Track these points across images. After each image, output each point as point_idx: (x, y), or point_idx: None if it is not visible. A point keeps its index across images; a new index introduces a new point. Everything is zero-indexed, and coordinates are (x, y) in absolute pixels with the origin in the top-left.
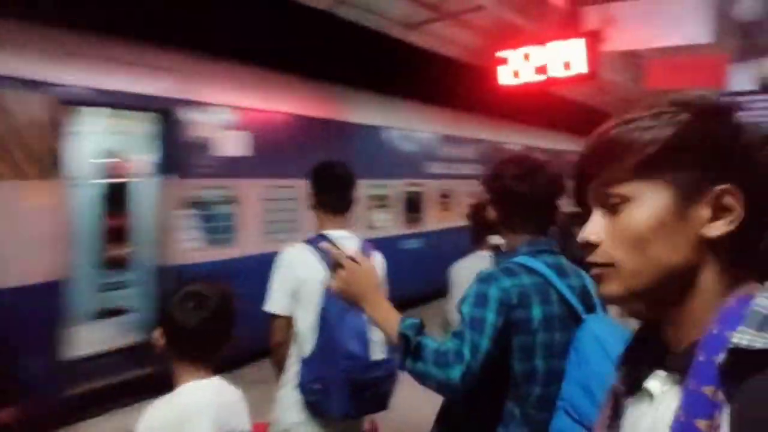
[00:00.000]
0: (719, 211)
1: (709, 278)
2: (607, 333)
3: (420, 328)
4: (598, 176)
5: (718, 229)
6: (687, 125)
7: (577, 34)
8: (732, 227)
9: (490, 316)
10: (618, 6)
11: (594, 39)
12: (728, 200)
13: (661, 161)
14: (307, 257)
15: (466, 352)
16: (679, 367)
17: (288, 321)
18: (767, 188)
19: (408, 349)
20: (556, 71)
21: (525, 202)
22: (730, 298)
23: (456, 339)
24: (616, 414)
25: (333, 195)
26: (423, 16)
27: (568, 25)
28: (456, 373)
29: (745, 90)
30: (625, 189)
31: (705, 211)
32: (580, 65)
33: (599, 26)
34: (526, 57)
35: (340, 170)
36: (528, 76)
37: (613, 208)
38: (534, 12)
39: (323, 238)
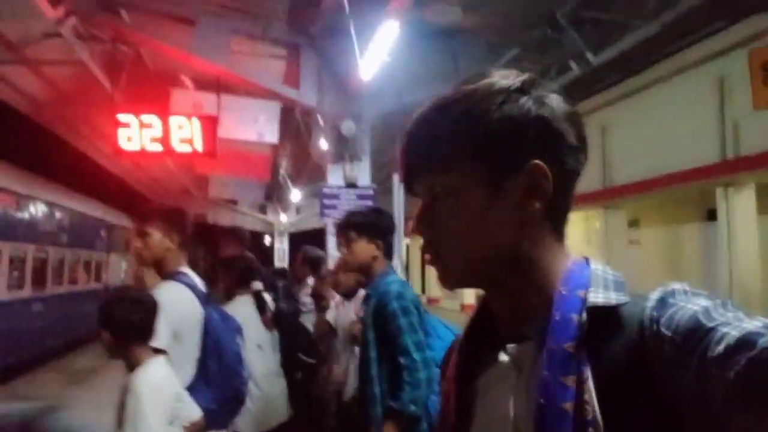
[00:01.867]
0: (531, 188)
1: (536, 249)
2: None
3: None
4: (411, 170)
5: (532, 205)
6: (468, 115)
7: (197, 115)
8: (544, 200)
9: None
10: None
11: (210, 122)
12: (537, 177)
13: (454, 155)
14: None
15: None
16: (532, 333)
17: None
18: (568, 157)
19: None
20: (176, 145)
21: None
22: (567, 262)
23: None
24: (461, 401)
25: None
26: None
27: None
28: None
29: (337, 185)
30: (434, 180)
31: (517, 191)
32: (198, 143)
33: (192, 110)
34: (148, 125)
35: None
36: (147, 144)
37: (431, 198)
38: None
39: None
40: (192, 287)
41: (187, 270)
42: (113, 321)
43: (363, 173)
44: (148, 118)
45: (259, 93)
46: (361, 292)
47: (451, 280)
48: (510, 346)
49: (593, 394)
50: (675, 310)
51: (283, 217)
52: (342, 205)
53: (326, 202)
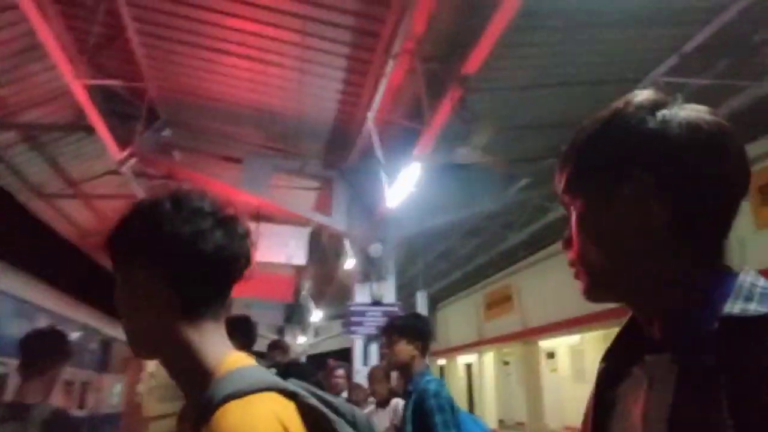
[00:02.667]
0: (640, 198)
1: (668, 262)
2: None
3: None
4: (559, 184)
5: (650, 218)
6: (587, 140)
7: None
8: (659, 213)
9: None
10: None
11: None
12: (641, 191)
13: (572, 181)
14: None
15: None
16: (670, 346)
17: None
18: (686, 172)
19: None
20: None
21: None
22: (705, 275)
23: None
24: (602, 407)
25: None
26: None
27: None
28: None
29: (366, 302)
30: (566, 197)
31: (630, 205)
32: None
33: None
34: None
35: None
36: None
37: (572, 212)
38: None
39: None
40: None
41: None
42: None
43: (388, 291)
44: None
45: (294, 220)
46: (394, 402)
47: (592, 292)
48: (647, 358)
49: (726, 410)
50: None
51: (301, 339)
52: (368, 322)
53: (353, 319)
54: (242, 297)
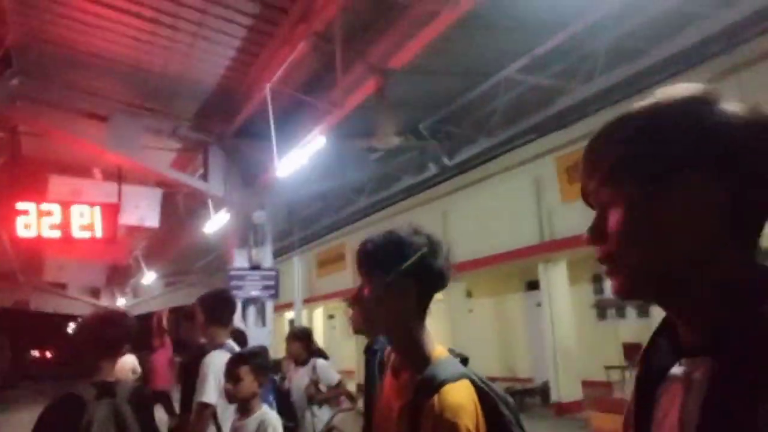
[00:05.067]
0: (700, 198)
1: (719, 263)
2: None
3: None
4: (586, 181)
5: (707, 217)
6: (630, 140)
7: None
8: (716, 212)
9: None
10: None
11: (111, 210)
12: (700, 188)
13: (616, 173)
14: None
15: None
16: (708, 349)
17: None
18: (746, 168)
19: None
20: (76, 232)
21: None
22: (749, 276)
23: None
24: (642, 405)
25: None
26: None
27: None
28: None
29: (244, 267)
30: (606, 190)
31: (688, 202)
32: (98, 230)
33: (71, 196)
34: (47, 213)
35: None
36: (44, 230)
37: (601, 208)
38: None
39: None
40: None
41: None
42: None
43: (267, 257)
44: (48, 206)
45: (164, 183)
46: (313, 360)
47: (630, 292)
48: (684, 361)
49: (761, 420)
50: None
51: (121, 301)
52: (247, 286)
53: (233, 283)
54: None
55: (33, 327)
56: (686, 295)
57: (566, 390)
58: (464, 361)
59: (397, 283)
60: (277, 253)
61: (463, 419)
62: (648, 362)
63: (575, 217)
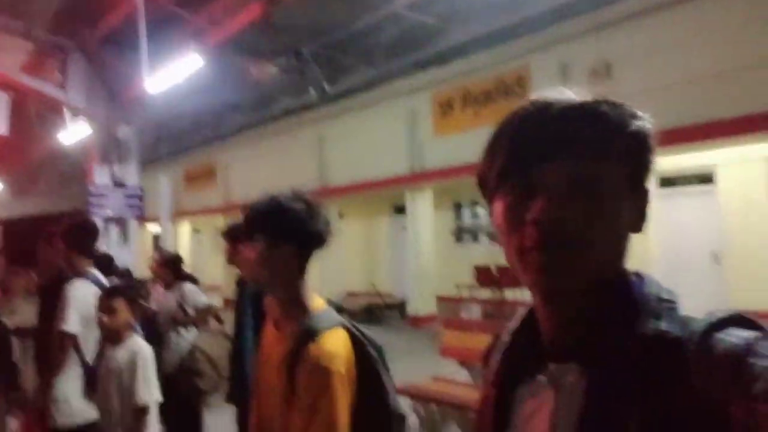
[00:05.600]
0: (643, 206)
1: (622, 266)
2: None
3: None
4: (549, 150)
5: (623, 212)
6: (620, 116)
7: None
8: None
9: None
10: None
11: None
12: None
13: (614, 146)
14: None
15: None
16: (578, 355)
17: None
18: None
19: None
20: None
21: None
22: (625, 279)
23: None
24: (502, 407)
25: None
26: None
27: None
28: None
29: (106, 184)
30: (583, 166)
31: (612, 198)
32: None
33: None
34: None
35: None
36: None
37: (568, 187)
38: None
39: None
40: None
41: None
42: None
43: (131, 174)
44: None
45: (12, 87)
46: (180, 284)
47: (569, 282)
48: (551, 366)
49: (634, 429)
50: (718, 343)
51: None
52: (110, 204)
53: (94, 200)
54: None
55: None
56: (591, 293)
57: (422, 305)
58: (339, 309)
59: (278, 246)
60: (141, 166)
61: (335, 365)
62: (506, 362)
63: (444, 151)
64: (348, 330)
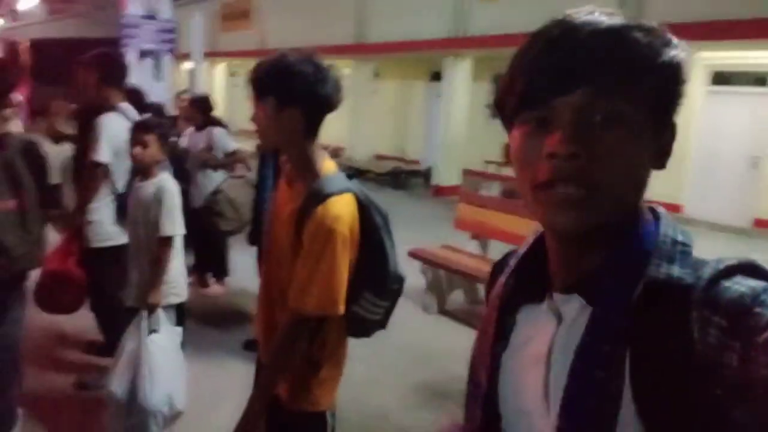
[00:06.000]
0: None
1: (640, 194)
2: None
3: None
4: (573, 76)
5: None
6: (655, 45)
7: None
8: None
9: None
10: None
11: None
12: (647, 116)
13: (627, 82)
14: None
15: None
16: (582, 289)
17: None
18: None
19: None
20: None
21: None
22: (642, 216)
23: None
24: (499, 328)
25: None
26: None
27: None
28: None
29: (139, 14)
30: (609, 99)
31: (641, 129)
32: None
33: None
34: None
35: None
36: None
37: (592, 117)
38: None
39: None
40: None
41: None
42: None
43: (164, 7)
44: None
45: None
46: (209, 128)
47: (580, 221)
48: (556, 296)
49: (627, 370)
50: (724, 291)
51: None
52: (142, 36)
53: (126, 31)
54: None
55: None
56: (606, 243)
57: (447, 175)
58: (350, 176)
59: (286, 109)
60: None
61: (340, 226)
62: (511, 285)
63: (490, 16)
64: (356, 195)
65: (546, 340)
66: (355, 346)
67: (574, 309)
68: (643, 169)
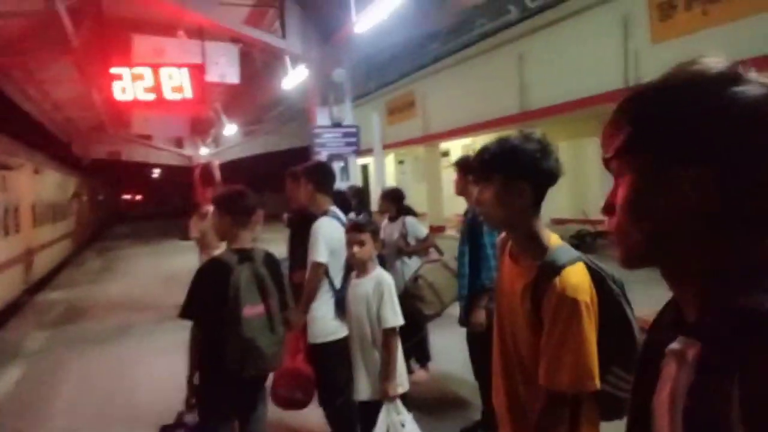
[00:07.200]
0: (702, 189)
1: (713, 253)
2: None
3: None
4: (604, 150)
5: (707, 206)
6: (642, 114)
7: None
8: (717, 203)
9: None
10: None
11: (197, 71)
12: (705, 178)
13: (627, 148)
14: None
15: None
16: (692, 332)
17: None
18: (746, 166)
19: None
20: (168, 94)
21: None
22: (731, 263)
23: None
24: (647, 376)
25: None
26: None
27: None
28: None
29: (326, 125)
30: (613, 164)
31: (688, 191)
32: (188, 91)
33: (154, 55)
34: (139, 76)
35: None
36: (139, 94)
37: (615, 181)
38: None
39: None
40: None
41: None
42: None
43: (347, 113)
44: (139, 70)
45: (239, 40)
46: (402, 218)
47: (627, 264)
48: (681, 338)
49: (736, 409)
50: None
51: (203, 150)
52: (330, 142)
53: (318, 140)
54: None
55: (126, 174)
56: (680, 280)
57: None
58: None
59: (514, 185)
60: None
61: (582, 296)
62: (654, 335)
63: (665, 60)
64: (587, 265)
65: (670, 385)
66: None
67: (692, 351)
68: (669, 217)
